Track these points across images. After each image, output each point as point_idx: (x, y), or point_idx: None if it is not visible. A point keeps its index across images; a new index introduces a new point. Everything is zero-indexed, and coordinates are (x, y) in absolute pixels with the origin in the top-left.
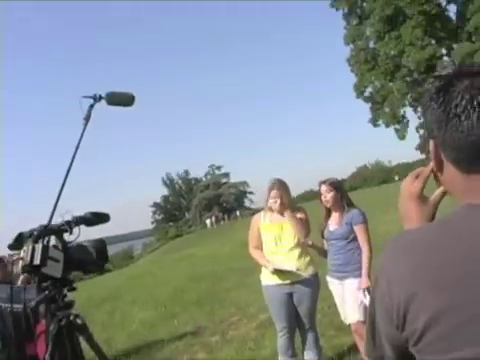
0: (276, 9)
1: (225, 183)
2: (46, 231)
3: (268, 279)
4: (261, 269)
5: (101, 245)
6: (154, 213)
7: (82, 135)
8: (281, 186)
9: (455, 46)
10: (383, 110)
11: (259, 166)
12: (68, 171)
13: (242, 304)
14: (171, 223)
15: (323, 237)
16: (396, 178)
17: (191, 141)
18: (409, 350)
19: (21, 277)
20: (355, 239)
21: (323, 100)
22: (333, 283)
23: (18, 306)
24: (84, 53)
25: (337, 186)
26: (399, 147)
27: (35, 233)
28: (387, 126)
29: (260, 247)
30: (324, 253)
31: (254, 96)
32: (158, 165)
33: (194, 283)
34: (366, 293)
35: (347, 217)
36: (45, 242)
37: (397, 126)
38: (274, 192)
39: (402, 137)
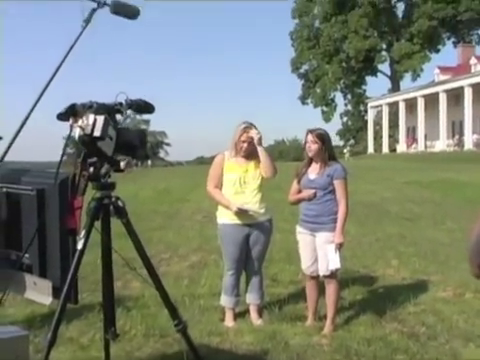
0: None
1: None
2: (103, 107)
3: (227, 218)
4: (218, 208)
5: (143, 134)
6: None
7: (78, 37)
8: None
9: (396, 44)
10: (314, 90)
11: (181, 120)
12: (58, 68)
13: (171, 244)
14: None
15: (298, 183)
16: None
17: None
18: None
19: None
20: (332, 192)
21: (256, 68)
22: (303, 233)
23: (15, 186)
24: None
25: (323, 138)
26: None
27: (95, 106)
28: (315, 106)
29: (219, 187)
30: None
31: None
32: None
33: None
34: (337, 249)
35: (330, 169)
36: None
37: (325, 108)
38: (246, 136)
39: (327, 119)
